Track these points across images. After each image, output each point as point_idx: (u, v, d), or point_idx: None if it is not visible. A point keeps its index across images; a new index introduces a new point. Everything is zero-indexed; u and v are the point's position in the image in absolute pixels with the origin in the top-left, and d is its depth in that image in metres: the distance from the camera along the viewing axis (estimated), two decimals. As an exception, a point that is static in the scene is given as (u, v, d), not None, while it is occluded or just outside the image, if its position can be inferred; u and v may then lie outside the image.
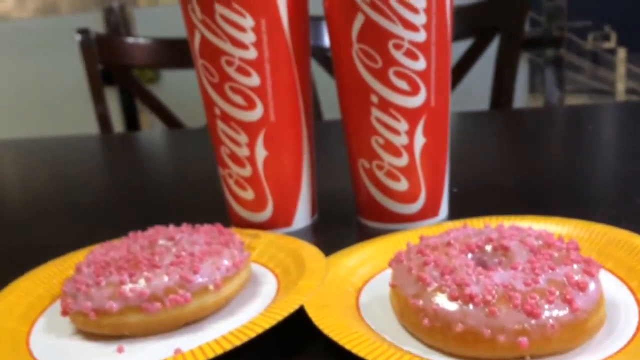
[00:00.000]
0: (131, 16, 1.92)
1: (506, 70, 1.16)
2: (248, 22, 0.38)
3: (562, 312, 0.25)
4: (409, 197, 0.40)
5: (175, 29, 1.20)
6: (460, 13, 1.21)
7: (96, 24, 1.86)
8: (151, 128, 1.93)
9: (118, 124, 1.82)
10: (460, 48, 1.16)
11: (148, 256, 0.32)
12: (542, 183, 0.49)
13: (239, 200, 0.43)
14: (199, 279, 0.30)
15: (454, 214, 0.43)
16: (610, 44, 2.19)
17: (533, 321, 0.24)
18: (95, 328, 0.30)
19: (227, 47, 0.38)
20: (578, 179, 0.49)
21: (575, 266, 0.27)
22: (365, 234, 0.41)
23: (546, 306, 0.25)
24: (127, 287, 0.30)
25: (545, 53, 2.06)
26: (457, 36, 1.21)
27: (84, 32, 1.23)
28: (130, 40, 1.32)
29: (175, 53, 1.29)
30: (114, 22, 1.88)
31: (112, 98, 1.44)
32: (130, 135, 1.28)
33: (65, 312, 0.31)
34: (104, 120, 1.23)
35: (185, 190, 0.61)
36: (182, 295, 0.30)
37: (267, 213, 0.42)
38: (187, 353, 0.26)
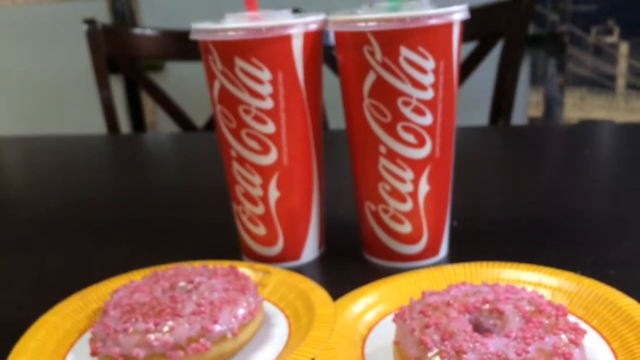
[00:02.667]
0: (137, 5, 1.92)
1: (508, 75, 1.18)
2: (266, 75, 0.40)
3: (548, 382, 0.28)
4: (411, 239, 0.43)
5: (181, 18, 1.21)
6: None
7: (101, 12, 1.86)
8: (155, 115, 1.95)
9: (122, 110, 1.83)
10: (463, 51, 1.17)
11: (170, 303, 0.34)
12: (538, 219, 0.52)
13: (251, 235, 0.45)
14: (218, 328, 0.33)
15: (453, 251, 0.46)
16: (613, 38, 2.20)
17: (522, 391, 0.27)
18: (123, 371, 0.33)
19: (245, 97, 0.40)
20: (573, 215, 0.52)
21: (562, 336, 0.30)
22: (370, 271, 0.44)
23: (534, 376, 0.28)
24: (153, 336, 0.32)
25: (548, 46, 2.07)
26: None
27: (90, 22, 1.24)
28: (136, 31, 1.33)
29: (181, 45, 1.30)
30: (120, 10, 1.88)
31: (117, 84, 1.45)
32: (138, 137, 1.29)
33: (94, 354, 0.34)
34: (108, 105, 1.24)
35: (195, 203, 0.63)
36: (203, 344, 0.33)
37: (277, 248, 0.45)
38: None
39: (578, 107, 2.17)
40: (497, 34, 1.18)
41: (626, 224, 0.49)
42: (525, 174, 0.66)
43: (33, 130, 2.03)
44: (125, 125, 1.91)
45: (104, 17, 1.86)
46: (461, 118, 0.46)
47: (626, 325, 0.33)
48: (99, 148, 0.97)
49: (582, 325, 0.34)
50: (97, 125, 1.46)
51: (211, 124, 1.27)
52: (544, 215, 0.53)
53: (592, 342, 0.33)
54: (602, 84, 2.19)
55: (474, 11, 0.41)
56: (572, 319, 0.34)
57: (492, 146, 0.79)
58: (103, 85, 1.26)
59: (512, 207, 0.55)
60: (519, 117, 2.01)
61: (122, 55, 1.29)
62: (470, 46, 1.20)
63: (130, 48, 1.30)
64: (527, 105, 2.12)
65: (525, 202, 0.56)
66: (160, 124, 2.02)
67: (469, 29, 0.40)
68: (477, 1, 1.10)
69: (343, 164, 0.47)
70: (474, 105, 1.34)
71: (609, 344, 0.33)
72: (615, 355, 0.32)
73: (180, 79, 1.62)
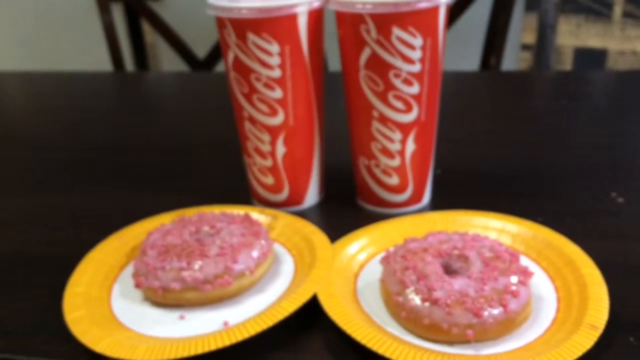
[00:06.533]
0: None
1: (502, 13, 1.21)
2: (274, 48, 0.46)
3: (498, 313, 0.36)
4: (399, 189, 0.50)
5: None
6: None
7: None
8: (154, 36, 1.96)
9: (123, 37, 1.84)
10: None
11: (198, 246, 0.42)
12: (511, 169, 0.59)
13: (261, 183, 0.52)
14: (238, 267, 0.41)
15: (435, 198, 0.53)
16: (612, -36, 2.18)
17: (477, 319, 0.35)
18: (162, 300, 0.41)
19: (256, 66, 0.46)
20: (542, 166, 0.59)
21: (512, 277, 0.37)
22: (362, 216, 0.51)
23: (488, 308, 0.36)
24: (187, 273, 0.40)
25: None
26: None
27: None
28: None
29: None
30: None
31: (117, 13, 1.46)
32: (145, 75, 1.32)
33: (138, 286, 0.41)
34: (110, 30, 1.27)
35: (206, 146, 0.70)
36: (226, 279, 0.40)
37: (283, 195, 0.52)
38: (234, 328, 0.37)
39: (574, 35, 2.19)
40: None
41: (587, 176, 0.56)
42: (507, 124, 0.72)
43: (33, 59, 2.04)
44: (126, 49, 1.93)
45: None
46: (455, 54, 0.50)
47: (568, 267, 0.41)
48: (106, 87, 1.02)
49: (533, 267, 0.42)
50: (99, 51, 1.49)
51: (213, 57, 1.30)
52: (517, 165, 0.60)
53: (540, 280, 0.41)
54: (599, 11, 2.19)
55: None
56: (526, 261, 0.43)
57: (479, 94, 0.85)
58: (105, 10, 1.29)
59: (489, 157, 0.62)
60: (512, 44, 2.03)
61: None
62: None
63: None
64: (520, 32, 2.13)
65: (503, 152, 0.63)
66: (161, 46, 2.03)
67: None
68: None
69: (341, 104, 0.53)
70: (468, 41, 1.38)
71: (553, 282, 0.41)
72: (557, 291, 0.40)
73: (180, 9, 1.64)
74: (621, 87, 0.84)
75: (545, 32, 2.13)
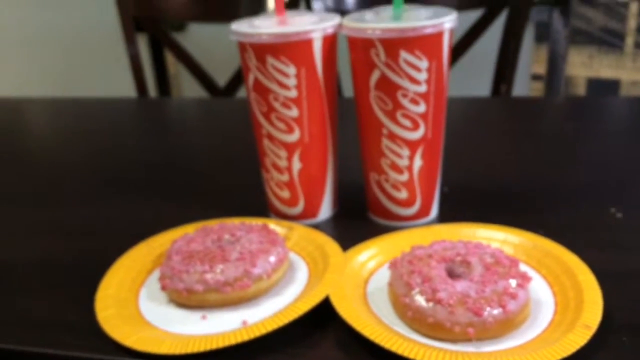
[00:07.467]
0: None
1: (512, 42, 1.25)
2: (291, 70, 0.49)
3: (497, 313, 0.38)
4: (407, 203, 0.53)
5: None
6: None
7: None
8: (177, 67, 2.03)
9: (148, 67, 1.92)
10: (471, 18, 1.24)
11: (220, 252, 0.45)
12: (515, 187, 0.61)
13: (278, 197, 0.56)
14: (257, 271, 0.44)
15: (442, 213, 0.56)
16: (625, -4, 2.22)
17: (477, 318, 0.38)
18: (185, 301, 0.44)
19: (274, 87, 0.50)
20: (545, 184, 0.62)
21: (511, 281, 0.40)
22: (373, 228, 0.54)
23: (488, 308, 0.38)
24: (209, 276, 0.43)
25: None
26: (468, 6, 1.30)
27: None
28: (161, -7, 1.40)
29: (205, 7, 1.38)
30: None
31: (142, 44, 1.53)
32: (166, 101, 1.38)
33: (164, 288, 0.45)
34: (135, 61, 1.33)
35: (227, 166, 0.74)
36: (246, 282, 0.44)
37: (299, 208, 0.55)
38: (253, 326, 0.40)
39: (586, 66, 2.22)
40: (503, 2, 1.24)
41: (587, 193, 0.59)
42: (513, 144, 0.75)
43: (62, 87, 2.12)
44: (149, 77, 2.00)
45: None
46: (466, 83, 0.52)
47: (566, 274, 0.44)
48: (128, 112, 1.07)
49: (532, 273, 0.45)
50: (124, 81, 1.55)
51: (233, 85, 1.36)
52: (521, 184, 0.62)
53: (539, 286, 0.44)
54: (611, 42, 2.23)
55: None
56: (525, 268, 0.45)
57: (488, 117, 0.88)
58: (131, 42, 1.35)
59: (495, 177, 0.65)
60: (522, 75, 2.06)
61: (148, 15, 1.37)
62: (477, 14, 1.27)
63: (155, 9, 1.38)
64: (530, 63, 2.17)
65: (508, 172, 0.66)
66: (183, 76, 2.10)
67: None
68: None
69: (353, 127, 0.56)
70: (478, 71, 1.42)
71: (551, 287, 0.43)
72: (555, 296, 0.43)
73: (202, 39, 1.70)
74: (626, 112, 0.87)
75: (556, 62, 2.17)
